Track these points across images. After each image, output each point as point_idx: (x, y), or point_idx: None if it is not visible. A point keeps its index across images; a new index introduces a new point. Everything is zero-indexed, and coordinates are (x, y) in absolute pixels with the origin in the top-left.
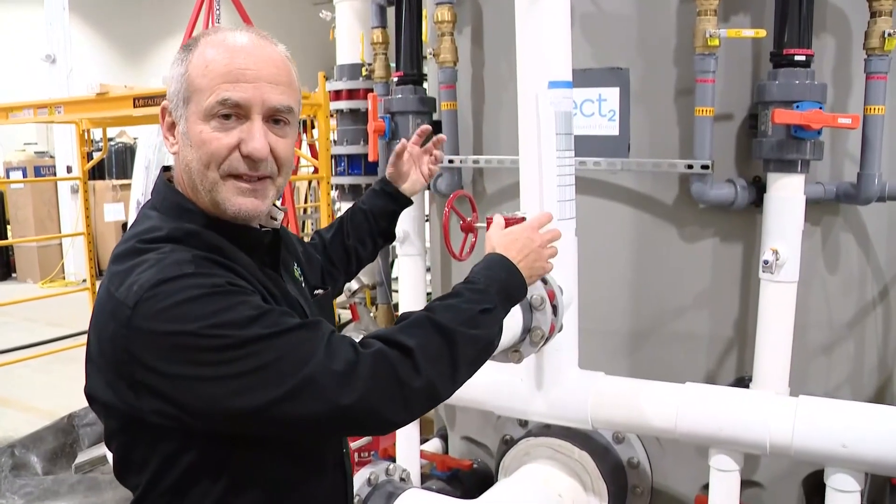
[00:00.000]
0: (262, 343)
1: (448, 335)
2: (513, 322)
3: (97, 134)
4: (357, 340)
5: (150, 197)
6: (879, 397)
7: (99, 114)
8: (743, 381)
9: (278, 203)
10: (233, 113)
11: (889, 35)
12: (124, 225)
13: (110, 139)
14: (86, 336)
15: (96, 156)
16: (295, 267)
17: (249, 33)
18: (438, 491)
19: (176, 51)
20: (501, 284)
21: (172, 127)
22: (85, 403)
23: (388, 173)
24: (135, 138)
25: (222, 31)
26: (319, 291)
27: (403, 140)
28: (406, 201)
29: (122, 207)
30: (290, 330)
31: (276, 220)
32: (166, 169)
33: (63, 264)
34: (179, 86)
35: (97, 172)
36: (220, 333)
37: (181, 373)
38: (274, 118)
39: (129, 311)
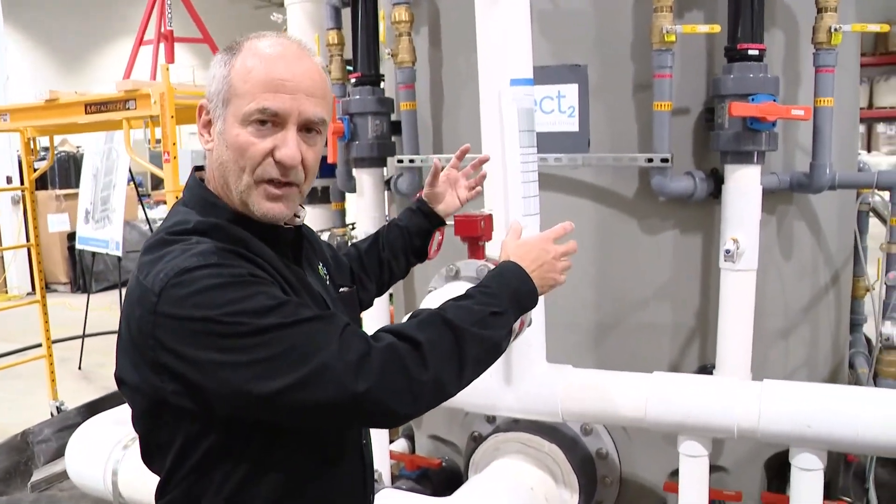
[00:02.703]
0: (278, 332)
1: (457, 333)
2: None
3: (41, 142)
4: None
5: (99, 206)
6: (833, 378)
7: (47, 121)
8: (706, 369)
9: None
10: (270, 120)
11: (835, 30)
12: (70, 235)
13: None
14: (37, 350)
15: (41, 165)
16: (321, 267)
17: (290, 44)
18: (409, 490)
19: (115, 55)
20: (513, 291)
21: (208, 125)
22: (36, 419)
23: (425, 193)
24: (78, 147)
25: (266, 37)
26: (345, 289)
27: (437, 160)
28: (440, 221)
29: (67, 218)
30: (305, 320)
31: (299, 217)
32: (198, 168)
33: (5, 277)
34: (221, 87)
35: (38, 182)
36: (239, 321)
37: (201, 357)
38: (307, 127)
39: (156, 298)
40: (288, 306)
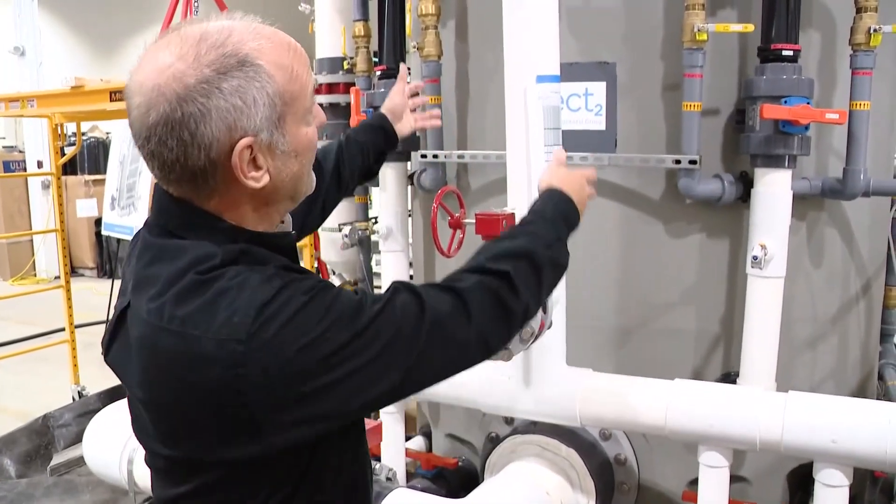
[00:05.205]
0: (378, 320)
1: (533, 258)
2: None
3: (70, 128)
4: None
5: (125, 193)
6: (861, 391)
7: (73, 108)
8: (729, 377)
9: None
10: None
11: (875, 31)
12: (98, 220)
13: (83, 134)
14: (62, 334)
15: (69, 151)
16: None
17: (260, 19)
18: (424, 490)
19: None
20: (563, 215)
21: (254, 161)
22: (59, 403)
23: (388, 106)
24: (107, 133)
25: (249, 30)
26: None
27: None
28: (396, 144)
29: (95, 203)
30: (389, 300)
31: (283, 222)
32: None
33: (34, 261)
34: (269, 110)
35: (69, 168)
36: (342, 328)
37: (321, 383)
38: None
39: (243, 346)
40: (365, 295)
